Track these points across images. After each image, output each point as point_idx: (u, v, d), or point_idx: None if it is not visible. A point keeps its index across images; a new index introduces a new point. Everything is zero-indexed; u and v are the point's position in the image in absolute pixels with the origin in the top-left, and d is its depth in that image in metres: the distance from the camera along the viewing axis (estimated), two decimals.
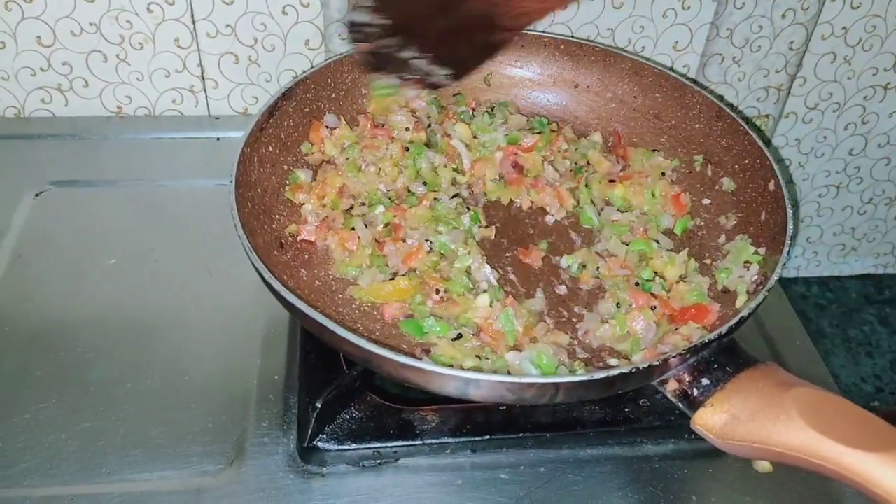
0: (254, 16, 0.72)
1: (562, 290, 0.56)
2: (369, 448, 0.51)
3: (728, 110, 0.62)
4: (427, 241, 0.55)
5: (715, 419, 0.42)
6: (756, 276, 0.53)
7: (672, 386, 0.44)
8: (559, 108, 0.70)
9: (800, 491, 0.50)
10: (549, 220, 0.62)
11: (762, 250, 0.54)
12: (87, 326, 0.57)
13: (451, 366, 0.48)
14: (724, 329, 0.44)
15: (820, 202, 0.97)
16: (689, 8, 0.75)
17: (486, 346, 0.50)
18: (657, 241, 0.58)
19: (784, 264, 0.49)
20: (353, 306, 0.54)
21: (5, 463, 0.48)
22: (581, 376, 0.42)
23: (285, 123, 0.61)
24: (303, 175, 0.60)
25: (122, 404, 0.52)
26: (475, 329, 0.51)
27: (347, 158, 0.61)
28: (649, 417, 0.53)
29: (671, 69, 0.71)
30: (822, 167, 0.93)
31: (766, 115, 0.84)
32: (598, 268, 0.57)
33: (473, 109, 0.68)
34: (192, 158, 0.73)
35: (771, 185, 0.56)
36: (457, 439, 0.51)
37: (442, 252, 0.55)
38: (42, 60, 0.72)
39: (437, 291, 0.53)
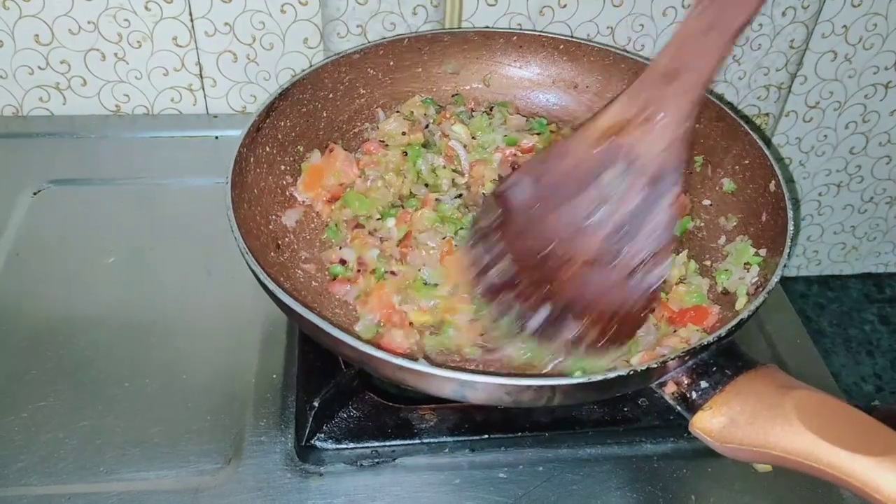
0: (252, 14, 0.71)
1: None
2: (367, 447, 0.51)
3: (728, 111, 0.61)
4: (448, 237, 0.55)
5: (713, 422, 0.42)
6: (756, 278, 0.52)
7: (670, 388, 0.44)
8: (559, 109, 0.70)
9: (799, 491, 0.50)
10: None
11: (763, 252, 0.54)
12: (85, 325, 0.57)
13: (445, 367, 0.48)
14: (723, 331, 0.44)
15: (820, 201, 0.96)
16: (689, 6, 0.75)
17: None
18: None
19: (784, 266, 0.49)
20: (350, 307, 0.54)
21: (2, 462, 0.48)
22: (578, 379, 0.42)
23: (282, 124, 0.60)
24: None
25: (119, 403, 0.52)
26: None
27: (350, 189, 0.60)
28: (648, 417, 0.53)
29: None
30: (823, 166, 0.93)
31: (767, 114, 0.84)
32: None
33: (472, 110, 0.67)
34: (191, 157, 0.73)
35: (772, 186, 0.55)
36: (455, 438, 0.51)
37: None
38: (40, 59, 0.72)
39: None
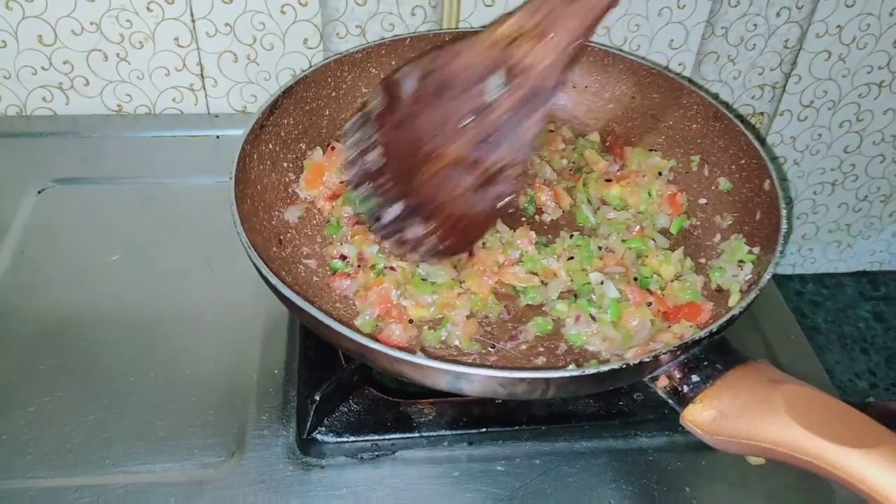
0: (253, 15, 0.72)
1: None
2: (367, 440, 0.51)
3: (725, 111, 0.62)
4: None
5: (704, 415, 0.43)
6: (749, 276, 0.53)
7: (662, 382, 0.45)
8: (557, 108, 0.70)
9: (791, 483, 0.51)
10: (546, 218, 0.63)
11: (756, 250, 0.55)
12: (90, 321, 0.58)
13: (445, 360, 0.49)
14: (714, 327, 0.45)
15: (815, 199, 0.97)
16: (684, 6, 0.76)
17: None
18: (653, 240, 0.59)
19: (777, 264, 0.50)
20: (350, 302, 0.55)
21: (11, 455, 0.49)
22: (571, 371, 0.43)
23: (285, 121, 0.61)
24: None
25: (125, 397, 0.53)
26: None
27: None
28: (643, 411, 0.54)
29: (668, 69, 0.72)
30: (817, 164, 0.93)
31: (762, 113, 0.85)
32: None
33: None
34: (192, 156, 0.74)
35: (766, 186, 0.56)
36: (453, 432, 0.52)
37: None
38: (43, 59, 0.73)
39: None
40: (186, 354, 0.56)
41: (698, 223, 0.62)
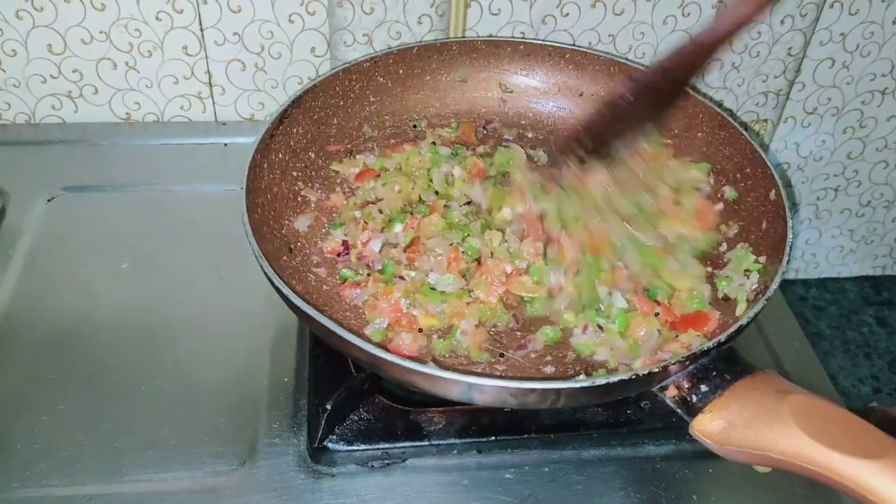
0: (261, 24, 0.73)
1: None
2: (378, 449, 0.52)
3: (730, 119, 0.62)
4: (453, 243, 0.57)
5: (713, 425, 0.43)
6: (756, 285, 0.54)
7: (671, 392, 0.46)
8: (564, 116, 0.71)
9: (798, 491, 0.51)
10: None
11: (762, 259, 0.55)
12: (100, 329, 0.58)
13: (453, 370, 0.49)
14: (722, 337, 0.46)
15: (818, 205, 0.98)
16: (689, 15, 0.76)
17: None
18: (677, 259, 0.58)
19: (783, 273, 0.51)
20: (359, 311, 0.56)
21: (24, 464, 0.50)
22: (582, 382, 0.44)
23: (294, 130, 0.62)
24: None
25: (136, 406, 0.53)
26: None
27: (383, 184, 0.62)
28: (651, 419, 0.54)
29: None
30: (821, 171, 0.94)
31: (765, 120, 0.85)
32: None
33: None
34: (200, 164, 0.74)
35: (772, 195, 0.57)
36: (463, 440, 0.53)
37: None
38: (52, 68, 0.74)
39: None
40: (196, 362, 0.57)
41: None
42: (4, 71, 0.73)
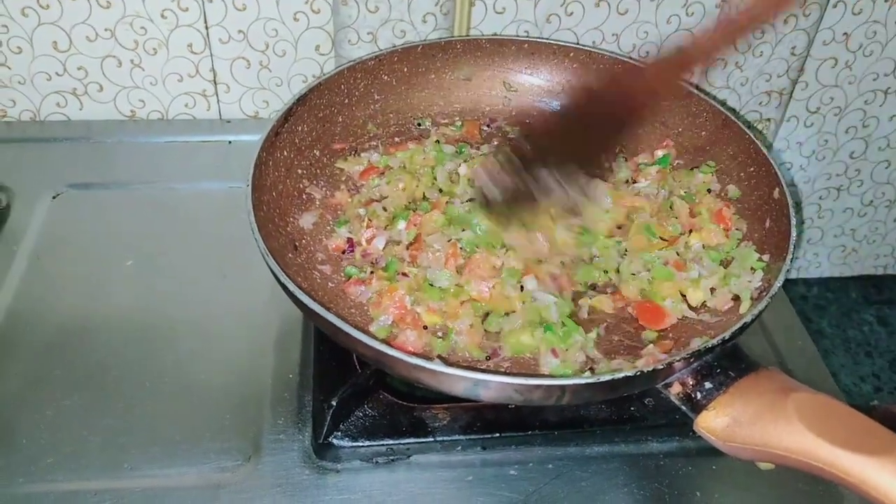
0: (265, 22, 0.73)
1: None
2: (382, 445, 0.52)
3: (734, 118, 0.63)
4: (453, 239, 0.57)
5: (717, 422, 0.43)
6: (760, 283, 0.54)
7: (676, 389, 0.46)
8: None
9: (801, 488, 0.51)
10: None
11: (766, 257, 0.56)
12: (105, 326, 0.58)
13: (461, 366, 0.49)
14: (726, 335, 0.46)
15: (821, 204, 0.98)
16: (692, 14, 0.76)
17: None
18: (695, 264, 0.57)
19: (787, 271, 0.51)
20: (364, 308, 0.56)
21: (30, 459, 0.50)
22: (586, 379, 0.44)
23: (299, 128, 0.62)
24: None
25: (141, 402, 0.54)
26: None
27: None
28: (654, 416, 0.55)
29: None
30: (823, 170, 0.94)
31: (768, 119, 0.85)
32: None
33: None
34: (205, 161, 0.74)
35: (776, 193, 0.57)
36: (467, 437, 0.53)
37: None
38: (58, 65, 0.74)
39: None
40: (201, 359, 0.57)
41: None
42: (10, 68, 0.73)
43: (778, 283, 0.50)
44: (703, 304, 0.56)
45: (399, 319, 0.53)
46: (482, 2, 0.73)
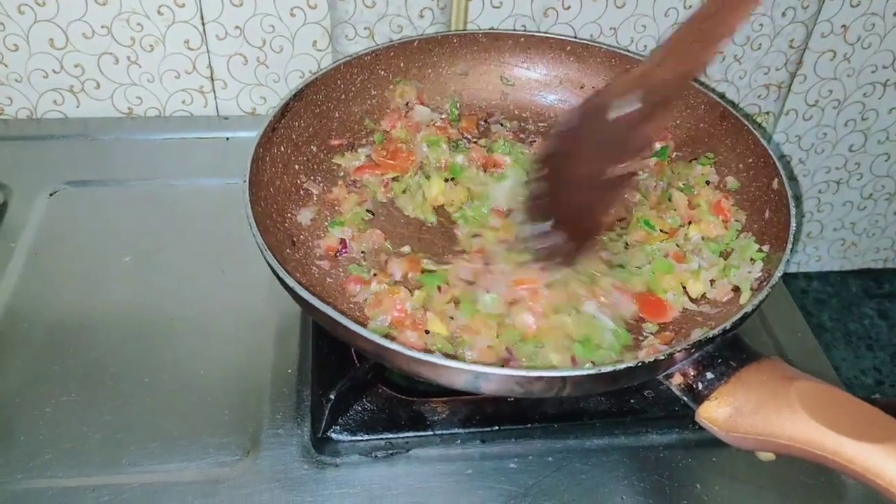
0: (262, 17, 0.73)
1: None
2: (381, 439, 0.52)
3: (732, 110, 0.63)
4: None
5: (719, 412, 0.43)
6: (760, 273, 0.54)
7: (677, 380, 0.46)
8: (566, 109, 0.71)
9: (802, 479, 0.51)
10: None
11: (766, 248, 0.55)
12: (103, 322, 0.58)
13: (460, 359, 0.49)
14: (727, 325, 0.46)
15: (820, 198, 0.98)
16: (690, 7, 0.76)
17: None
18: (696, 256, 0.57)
19: (787, 261, 0.51)
20: (362, 305, 0.55)
21: (28, 455, 0.50)
22: (587, 370, 0.44)
23: (296, 124, 0.62)
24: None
25: (139, 398, 0.53)
26: None
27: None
28: (654, 408, 0.54)
29: None
30: (823, 163, 0.94)
31: (767, 113, 0.85)
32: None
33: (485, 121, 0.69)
34: (202, 158, 0.74)
35: (775, 184, 0.57)
36: (467, 430, 0.53)
37: None
38: (54, 62, 0.74)
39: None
40: (199, 355, 0.57)
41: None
42: (6, 66, 0.73)
43: (778, 273, 0.49)
44: (703, 296, 0.55)
45: (397, 322, 0.52)
46: None
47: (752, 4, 0.46)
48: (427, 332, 0.52)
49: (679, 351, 0.44)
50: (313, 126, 0.63)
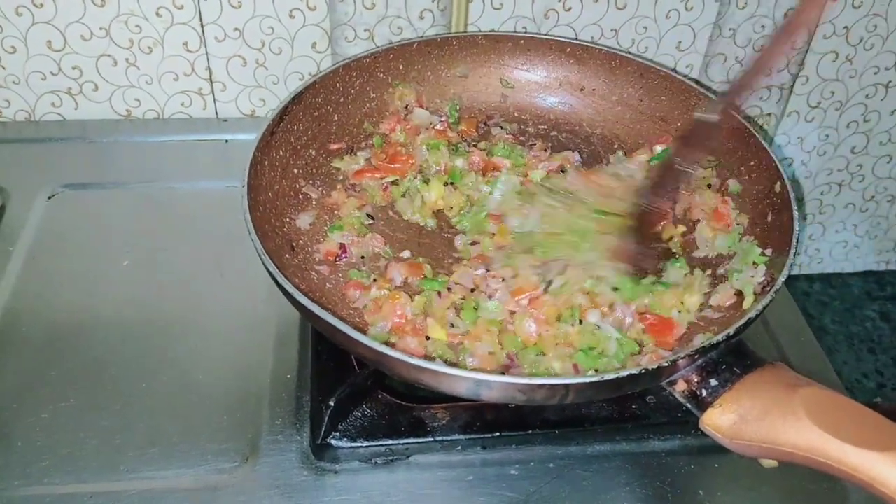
0: (261, 19, 0.72)
1: None
2: (381, 445, 0.52)
3: (734, 113, 0.62)
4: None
5: (723, 419, 0.43)
6: (763, 278, 0.53)
7: (681, 387, 0.45)
8: (565, 111, 0.71)
9: (804, 486, 0.51)
10: None
11: (769, 251, 0.55)
12: (102, 327, 0.58)
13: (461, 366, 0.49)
14: (731, 330, 0.45)
15: (822, 200, 0.97)
16: (691, 8, 0.76)
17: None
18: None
19: (790, 265, 0.50)
20: (362, 311, 0.55)
21: (26, 461, 0.49)
22: (590, 377, 0.43)
23: (295, 127, 0.61)
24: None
25: (138, 403, 0.53)
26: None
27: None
28: (656, 414, 0.54)
29: (676, 71, 0.72)
30: (825, 165, 0.93)
31: (769, 114, 0.85)
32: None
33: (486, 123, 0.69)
34: (201, 160, 0.74)
35: (777, 187, 0.56)
36: (467, 436, 0.52)
37: None
38: (52, 65, 0.73)
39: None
40: (198, 359, 0.56)
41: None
42: (4, 68, 0.73)
43: (782, 278, 0.49)
44: (705, 302, 0.55)
45: (398, 328, 0.52)
46: None
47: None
48: (427, 338, 0.52)
49: (682, 358, 0.44)
50: (312, 129, 0.63)
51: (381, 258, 0.58)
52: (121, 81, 0.75)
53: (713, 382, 0.44)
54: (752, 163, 0.61)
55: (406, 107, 0.67)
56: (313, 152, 0.63)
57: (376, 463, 0.51)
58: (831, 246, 1.03)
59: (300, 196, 0.61)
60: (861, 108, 0.88)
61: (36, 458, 0.49)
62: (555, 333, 0.51)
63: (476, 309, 0.52)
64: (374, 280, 0.55)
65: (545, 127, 0.70)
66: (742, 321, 0.46)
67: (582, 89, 0.70)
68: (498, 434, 0.52)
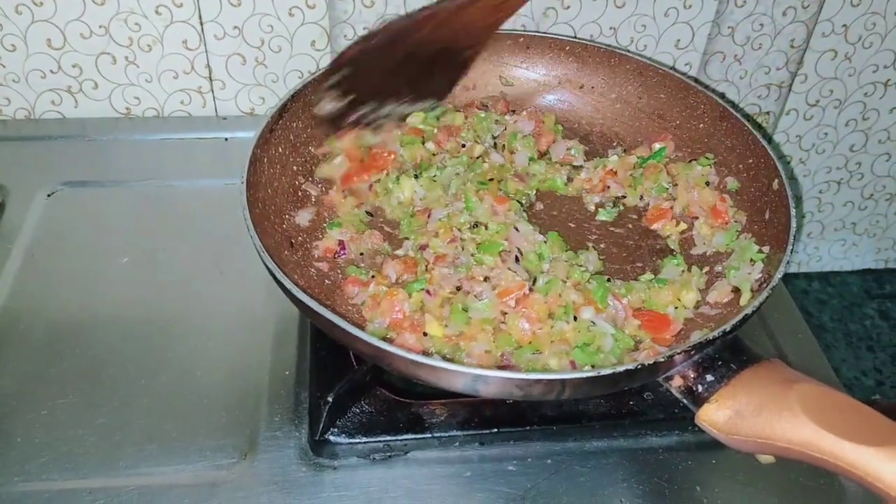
0: (261, 17, 0.72)
1: None
2: (380, 441, 0.52)
3: (732, 110, 0.62)
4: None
5: (719, 415, 0.43)
6: (760, 274, 0.53)
7: (677, 382, 0.45)
8: (565, 109, 0.71)
9: (801, 482, 0.51)
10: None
11: (766, 248, 0.55)
12: (101, 324, 0.58)
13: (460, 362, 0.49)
14: (727, 326, 0.45)
15: (821, 198, 0.97)
16: (690, 7, 0.76)
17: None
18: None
19: (787, 263, 0.50)
20: (360, 308, 0.55)
21: (24, 458, 0.49)
22: (587, 373, 0.43)
23: (294, 125, 0.61)
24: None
25: (136, 400, 0.53)
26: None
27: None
28: (653, 410, 0.54)
29: (675, 69, 0.72)
30: (823, 163, 0.94)
31: (768, 112, 0.85)
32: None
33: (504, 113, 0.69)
34: (201, 158, 0.74)
35: (775, 185, 0.57)
36: (465, 432, 0.52)
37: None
38: (52, 63, 0.73)
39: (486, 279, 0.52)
40: (197, 356, 0.56)
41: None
42: (4, 66, 0.73)
43: (779, 275, 0.49)
44: (703, 299, 0.55)
45: (396, 324, 0.52)
46: None
47: None
48: (425, 334, 0.52)
49: (679, 353, 0.44)
50: (311, 127, 0.63)
51: (380, 255, 0.58)
52: (120, 79, 0.75)
53: (709, 378, 0.44)
54: (750, 160, 0.61)
55: None
56: (312, 150, 0.63)
57: (374, 459, 0.51)
58: (830, 244, 1.03)
59: (299, 193, 0.61)
60: (860, 107, 0.88)
61: (35, 455, 0.50)
62: (550, 331, 0.51)
63: (466, 311, 0.52)
64: (373, 276, 0.55)
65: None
66: (738, 317, 0.46)
67: (581, 87, 0.71)
68: (496, 430, 0.53)
